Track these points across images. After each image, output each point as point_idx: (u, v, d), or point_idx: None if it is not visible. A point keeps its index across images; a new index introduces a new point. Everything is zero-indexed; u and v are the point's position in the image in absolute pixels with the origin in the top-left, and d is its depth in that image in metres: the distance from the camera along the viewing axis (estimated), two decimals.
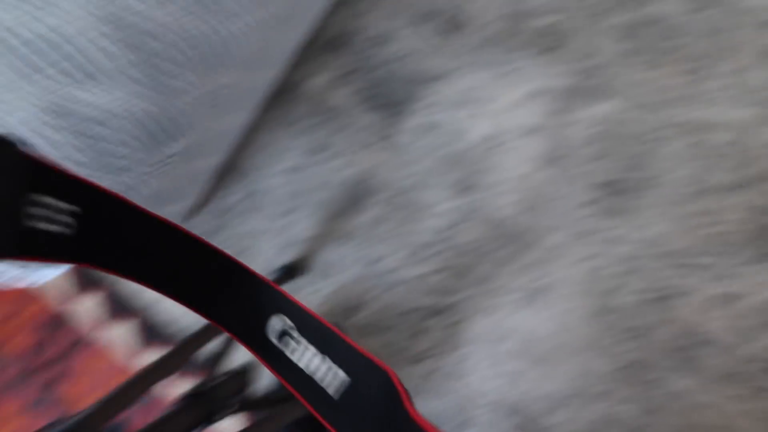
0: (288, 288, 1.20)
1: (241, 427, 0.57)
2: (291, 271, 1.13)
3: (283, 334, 0.43)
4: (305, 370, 0.41)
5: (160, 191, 0.95)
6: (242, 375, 0.63)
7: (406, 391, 0.37)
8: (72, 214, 0.43)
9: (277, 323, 0.43)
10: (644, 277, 1.15)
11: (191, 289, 0.46)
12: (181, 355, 0.60)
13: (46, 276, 0.82)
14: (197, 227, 1.23)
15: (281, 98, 1.23)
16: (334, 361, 0.40)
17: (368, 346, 1.15)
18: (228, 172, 1.25)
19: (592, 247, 1.15)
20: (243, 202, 1.25)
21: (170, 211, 1.06)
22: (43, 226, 0.41)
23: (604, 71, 1.18)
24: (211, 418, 0.58)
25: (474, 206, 1.16)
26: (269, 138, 1.23)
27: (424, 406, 1.16)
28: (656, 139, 1.17)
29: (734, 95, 1.18)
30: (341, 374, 0.40)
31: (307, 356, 0.41)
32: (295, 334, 0.42)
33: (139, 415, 1.21)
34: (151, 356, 1.23)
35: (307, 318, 0.42)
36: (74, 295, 1.24)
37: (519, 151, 1.16)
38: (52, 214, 0.42)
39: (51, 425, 0.49)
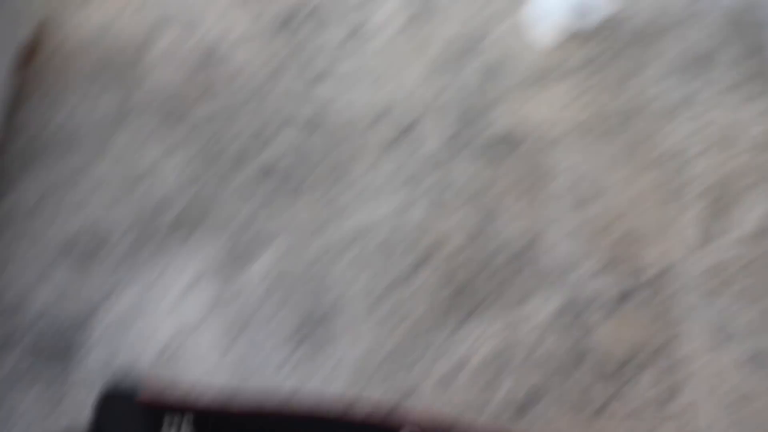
0: None
1: None
2: None
3: None
4: None
5: None
6: None
7: None
8: None
9: None
10: (374, 393, 1.28)
11: None
12: None
13: None
14: None
15: None
16: None
17: None
18: None
19: (310, 391, 1.26)
20: None
21: None
22: None
23: (251, 226, 1.33)
24: None
25: None
26: None
27: None
28: (326, 263, 1.34)
29: (374, 193, 1.39)
30: None
31: None
32: None
33: None
34: None
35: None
36: None
37: (204, 337, 1.25)
38: None
39: None
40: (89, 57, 1.38)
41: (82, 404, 1.19)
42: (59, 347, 1.19)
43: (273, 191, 1.30)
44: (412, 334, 1.25)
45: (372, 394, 1.20)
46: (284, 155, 1.32)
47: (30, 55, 1.32)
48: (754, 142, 1.51)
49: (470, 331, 1.28)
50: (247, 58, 1.42)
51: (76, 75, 1.37)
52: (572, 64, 1.50)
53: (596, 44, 1.54)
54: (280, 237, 1.28)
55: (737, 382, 1.33)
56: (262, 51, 1.42)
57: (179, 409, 0.53)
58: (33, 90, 1.34)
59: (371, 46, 1.45)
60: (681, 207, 1.43)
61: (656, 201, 1.43)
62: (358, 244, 1.29)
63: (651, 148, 1.46)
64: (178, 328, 1.20)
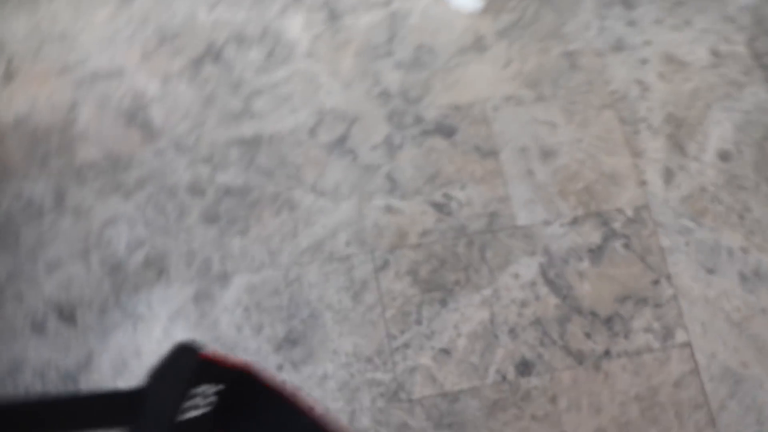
0: None
1: None
2: None
3: None
4: None
5: None
6: None
7: None
8: (217, 392, 0.58)
9: None
10: (367, 391, 1.39)
11: None
12: None
13: None
14: None
15: None
16: None
17: None
18: None
19: (306, 402, 1.39)
20: None
21: None
22: (191, 414, 0.55)
23: (213, 259, 1.47)
24: None
25: None
26: None
27: None
28: (295, 280, 1.47)
29: (326, 202, 1.53)
30: None
31: None
32: None
33: None
34: None
35: None
36: None
37: None
38: (201, 400, 0.56)
39: None
40: (19, 143, 1.55)
41: None
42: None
43: (229, 220, 1.44)
44: (395, 326, 1.38)
45: (374, 377, 1.32)
46: (228, 185, 1.46)
47: None
48: (701, 63, 1.64)
49: (457, 304, 1.40)
50: (171, 103, 1.59)
51: (11, 160, 1.55)
52: (497, 29, 1.64)
53: (518, 3, 1.68)
54: (246, 261, 1.41)
55: (733, 306, 1.42)
56: (186, 90, 1.59)
57: (228, 368, 0.67)
58: None
59: (291, 60, 1.61)
60: (641, 144, 1.55)
61: (615, 144, 1.55)
62: (324, 252, 1.42)
63: (597, 92, 1.58)
64: None
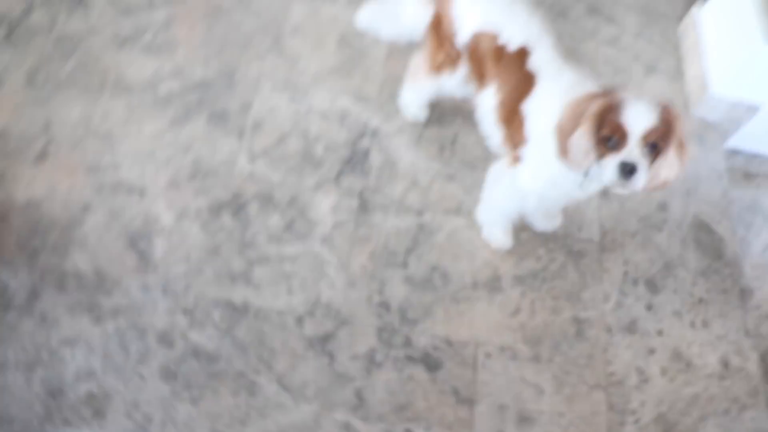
0: None
1: None
2: None
3: None
4: None
5: None
6: None
7: None
8: None
9: None
10: None
11: None
12: None
13: None
14: None
15: None
16: None
17: None
18: None
19: None
20: None
21: None
22: None
23: (155, 418, 1.34)
24: None
25: None
26: None
27: None
28: None
29: (287, 399, 1.39)
30: None
31: None
32: None
33: None
34: None
35: None
36: None
37: None
38: None
39: None
40: (20, 226, 1.47)
41: None
42: None
43: (184, 383, 1.33)
44: None
45: None
46: (197, 348, 1.35)
47: None
48: (708, 369, 1.51)
49: None
50: (176, 240, 1.50)
51: (4, 242, 1.46)
52: (516, 273, 1.55)
53: (545, 254, 1.59)
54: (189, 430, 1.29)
55: None
56: (196, 233, 1.50)
57: None
58: None
59: (307, 239, 1.53)
60: None
61: (596, 429, 1.41)
62: None
63: (595, 369, 1.47)
64: None
